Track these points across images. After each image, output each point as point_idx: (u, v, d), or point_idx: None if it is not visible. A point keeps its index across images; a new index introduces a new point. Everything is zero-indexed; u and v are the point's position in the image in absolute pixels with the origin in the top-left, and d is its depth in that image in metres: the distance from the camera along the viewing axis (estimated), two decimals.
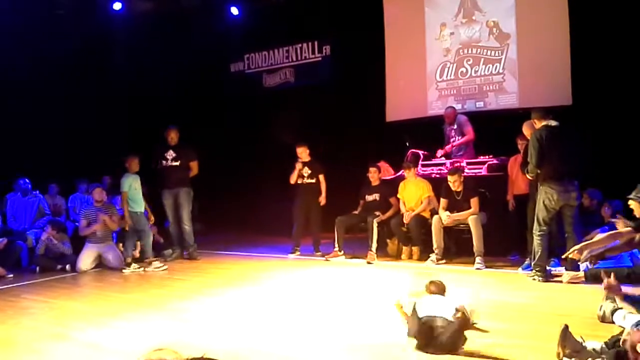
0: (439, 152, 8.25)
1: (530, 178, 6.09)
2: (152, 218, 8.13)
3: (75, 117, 9.94)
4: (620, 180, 6.37)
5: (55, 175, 9.21)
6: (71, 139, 9.75)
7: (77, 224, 8.28)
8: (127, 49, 10.96)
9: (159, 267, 7.33)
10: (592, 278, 5.23)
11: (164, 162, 8.07)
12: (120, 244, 7.86)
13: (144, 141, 8.87)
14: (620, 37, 7.36)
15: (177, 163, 8.07)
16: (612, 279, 3.08)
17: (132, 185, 7.58)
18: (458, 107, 8.97)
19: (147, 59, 10.94)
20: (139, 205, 7.63)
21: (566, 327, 3.38)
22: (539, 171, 5.74)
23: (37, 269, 7.39)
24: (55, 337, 4.32)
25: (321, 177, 8.05)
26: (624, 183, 5.43)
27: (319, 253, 7.86)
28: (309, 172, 8.04)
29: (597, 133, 7.11)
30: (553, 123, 5.73)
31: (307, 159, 8.09)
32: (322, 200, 8.00)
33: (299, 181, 8.07)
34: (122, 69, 11.01)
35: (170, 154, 8.08)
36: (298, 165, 8.01)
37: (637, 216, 4.90)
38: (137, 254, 7.94)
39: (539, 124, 5.80)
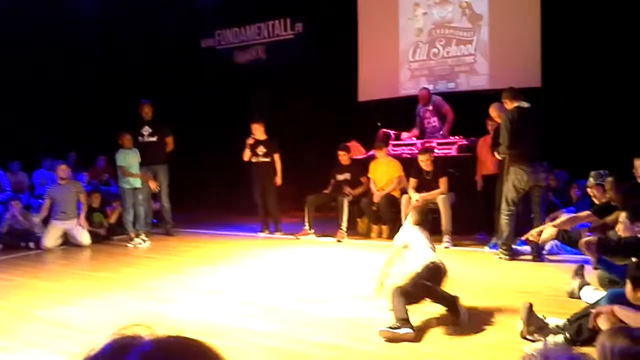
0: (408, 135, 8.24)
1: (500, 158, 6.17)
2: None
3: (42, 91, 9.66)
4: (586, 161, 6.53)
5: (20, 150, 8.97)
6: (37, 114, 9.48)
7: (41, 200, 8.10)
8: (96, 23, 10.67)
9: (140, 244, 7.29)
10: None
11: (140, 138, 7.89)
12: (87, 220, 7.70)
13: (114, 116, 8.70)
14: (590, 22, 7.45)
15: (154, 139, 7.93)
16: (592, 239, 3.11)
17: (126, 160, 7.50)
18: (429, 87, 9.00)
19: (117, 33, 10.68)
20: (129, 181, 7.55)
21: (530, 305, 3.47)
22: (509, 152, 5.78)
23: (0, 246, 7.22)
24: (20, 316, 4.25)
25: (276, 156, 7.89)
26: (589, 164, 5.57)
27: (280, 233, 7.86)
28: (264, 150, 7.88)
29: (564, 115, 7.23)
30: (525, 104, 5.79)
31: (262, 137, 7.94)
32: (278, 180, 7.88)
33: (254, 159, 7.92)
34: (91, 43, 10.72)
35: (147, 130, 7.92)
36: (249, 141, 7.84)
37: (597, 202, 5.05)
38: (103, 231, 7.82)
39: (510, 105, 5.84)
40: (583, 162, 6.69)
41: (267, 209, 8.01)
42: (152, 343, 0.75)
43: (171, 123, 8.32)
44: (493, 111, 6.41)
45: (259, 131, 7.91)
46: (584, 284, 4.25)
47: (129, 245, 7.32)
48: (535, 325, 3.45)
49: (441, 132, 8.06)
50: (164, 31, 10.78)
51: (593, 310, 2.92)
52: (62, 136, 9.36)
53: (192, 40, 11.61)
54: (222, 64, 11.33)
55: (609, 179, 4.85)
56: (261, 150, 7.89)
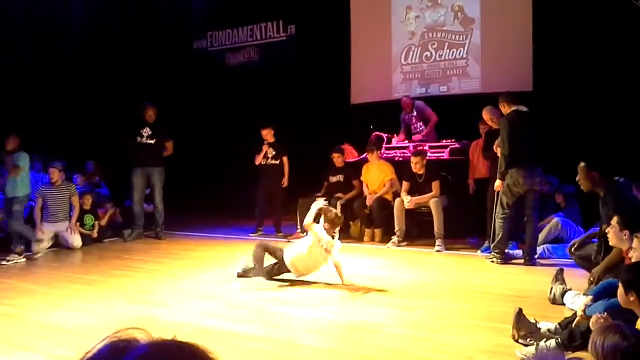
0: (395, 140, 8.30)
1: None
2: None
3: (30, 92, 9.58)
4: (573, 166, 6.56)
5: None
6: (26, 116, 9.40)
7: (32, 203, 8.02)
8: (86, 25, 10.62)
9: (15, 261, 6.55)
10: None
11: (138, 138, 7.88)
12: (78, 223, 7.62)
13: (101, 117, 8.64)
14: (582, 26, 7.49)
15: (153, 141, 7.90)
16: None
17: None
18: (422, 90, 9.01)
19: (107, 33, 10.62)
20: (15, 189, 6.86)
21: (520, 310, 3.50)
22: (505, 154, 5.74)
23: None
24: (8, 318, 4.21)
25: (284, 158, 8.02)
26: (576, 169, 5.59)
27: (281, 234, 7.86)
28: (273, 152, 8.00)
29: (554, 120, 7.26)
30: (523, 108, 5.80)
31: (271, 140, 8.05)
32: (285, 182, 7.99)
33: (263, 162, 8.03)
34: (79, 42, 10.65)
35: (147, 131, 7.90)
36: (265, 148, 7.96)
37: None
38: (95, 233, 7.75)
39: (507, 109, 5.83)
40: (571, 167, 6.72)
41: (271, 210, 8.05)
42: (148, 346, 0.76)
43: (162, 124, 8.27)
44: (486, 114, 6.42)
45: (269, 135, 8.02)
46: (565, 289, 4.24)
47: (2, 263, 6.45)
48: (526, 329, 3.47)
49: (422, 134, 8.09)
50: (156, 32, 10.74)
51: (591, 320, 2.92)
52: (53, 139, 9.28)
53: (184, 41, 11.59)
54: (214, 66, 11.31)
55: (582, 164, 4.91)
56: (270, 152, 7.99)
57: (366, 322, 3.93)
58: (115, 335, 0.78)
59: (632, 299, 2.60)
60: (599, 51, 7.41)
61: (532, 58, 8.11)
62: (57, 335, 3.81)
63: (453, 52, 8.99)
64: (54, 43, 9.96)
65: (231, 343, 3.56)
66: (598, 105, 7.33)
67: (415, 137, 8.13)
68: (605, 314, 2.79)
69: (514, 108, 5.78)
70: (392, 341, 3.59)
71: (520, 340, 3.42)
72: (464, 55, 8.90)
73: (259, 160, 8.01)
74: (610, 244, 4.04)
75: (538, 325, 3.48)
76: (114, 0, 10.57)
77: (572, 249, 5.06)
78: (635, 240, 3.30)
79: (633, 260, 3.58)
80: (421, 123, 8.23)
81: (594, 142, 7.15)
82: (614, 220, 3.90)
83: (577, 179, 4.96)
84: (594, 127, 7.26)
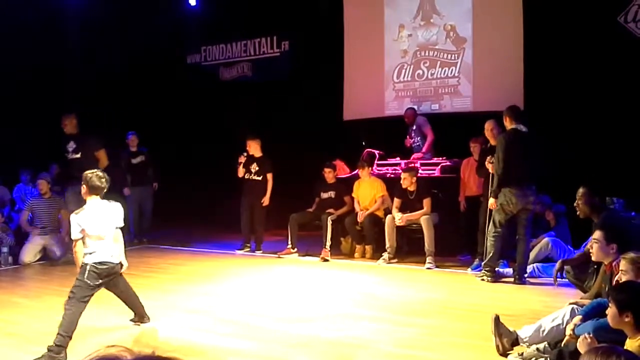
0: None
1: (491, 172, 6.14)
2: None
3: (20, 100, 9.52)
4: (566, 185, 6.60)
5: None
6: (14, 125, 9.35)
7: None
8: (80, 38, 10.61)
9: None
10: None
11: (66, 154, 7.25)
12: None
13: (95, 128, 8.59)
14: (573, 45, 7.60)
15: (78, 155, 7.16)
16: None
17: None
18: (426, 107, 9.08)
19: (101, 48, 10.62)
20: None
21: (497, 317, 3.56)
22: (499, 173, 5.76)
23: None
24: None
25: (269, 176, 7.87)
26: (568, 188, 5.63)
27: (260, 251, 7.84)
28: (257, 168, 7.88)
29: (545, 138, 7.31)
30: (523, 129, 5.81)
31: (258, 154, 7.96)
32: (265, 200, 7.83)
33: (246, 176, 7.89)
34: (72, 52, 10.63)
35: (71, 146, 7.19)
36: (240, 159, 7.80)
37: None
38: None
39: (509, 124, 5.85)
40: (562, 186, 6.77)
41: (252, 226, 7.96)
42: None
43: (153, 138, 8.23)
44: (489, 124, 6.32)
45: (254, 148, 7.90)
46: (514, 336, 3.65)
47: None
48: (507, 336, 3.49)
49: (422, 151, 8.14)
50: (149, 46, 10.75)
51: (574, 334, 2.92)
52: (42, 151, 9.21)
53: (177, 55, 11.62)
54: (207, 80, 11.34)
55: (582, 189, 4.93)
56: (254, 167, 7.88)
57: (356, 339, 3.91)
58: (100, 352, 0.78)
59: (627, 319, 2.52)
60: (591, 70, 7.49)
61: (523, 77, 8.20)
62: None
63: (445, 70, 9.08)
64: (46, 55, 9.93)
65: (220, 359, 3.54)
66: (590, 124, 7.40)
67: (416, 155, 8.11)
68: (591, 335, 2.75)
69: (514, 126, 5.81)
70: (382, 358, 3.57)
71: (509, 353, 3.44)
72: (456, 74, 8.98)
73: (240, 173, 7.87)
74: (594, 259, 3.88)
75: (517, 332, 3.51)
76: (109, 13, 10.56)
77: (567, 271, 5.03)
78: (623, 262, 3.27)
79: (592, 251, 3.63)
80: (419, 138, 8.28)
81: (585, 160, 7.22)
82: (598, 234, 3.75)
83: (575, 204, 4.96)
84: (585, 145, 7.33)
